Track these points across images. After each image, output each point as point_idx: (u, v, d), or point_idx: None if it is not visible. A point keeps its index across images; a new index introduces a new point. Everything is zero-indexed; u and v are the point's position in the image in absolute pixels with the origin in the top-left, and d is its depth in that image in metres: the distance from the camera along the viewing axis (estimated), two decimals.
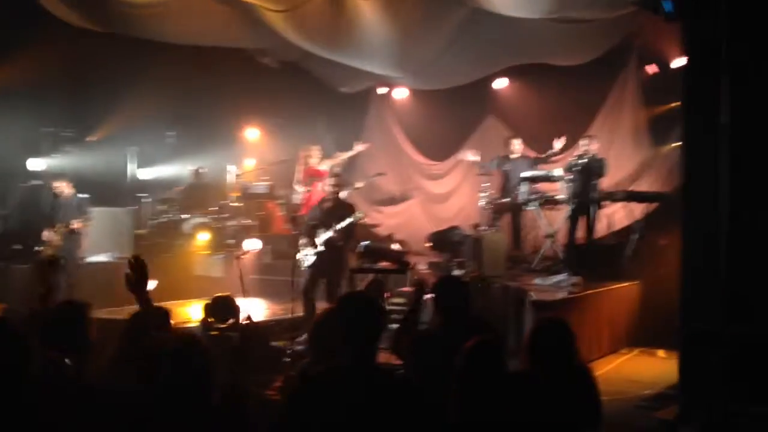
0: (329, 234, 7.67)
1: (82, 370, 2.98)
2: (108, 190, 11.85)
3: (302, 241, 7.86)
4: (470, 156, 10.65)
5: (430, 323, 4.59)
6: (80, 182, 11.29)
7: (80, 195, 9.23)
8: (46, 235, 8.82)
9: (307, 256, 7.81)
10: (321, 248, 7.70)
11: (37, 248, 9.03)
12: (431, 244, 10.04)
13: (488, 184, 10.34)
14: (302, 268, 7.89)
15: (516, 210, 10.05)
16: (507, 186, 10.23)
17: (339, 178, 8.38)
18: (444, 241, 9.79)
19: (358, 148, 11.22)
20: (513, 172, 10.13)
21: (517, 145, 10.44)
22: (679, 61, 10.20)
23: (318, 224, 7.82)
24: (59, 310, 3.21)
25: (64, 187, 9.06)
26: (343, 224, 7.61)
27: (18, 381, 2.34)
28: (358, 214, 7.78)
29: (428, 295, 4.28)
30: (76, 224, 8.70)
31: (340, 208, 7.85)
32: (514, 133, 10.85)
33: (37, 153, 11.26)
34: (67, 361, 2.95)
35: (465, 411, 2.68)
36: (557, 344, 3.41)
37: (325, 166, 10.55)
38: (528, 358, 3.41)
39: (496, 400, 2.63)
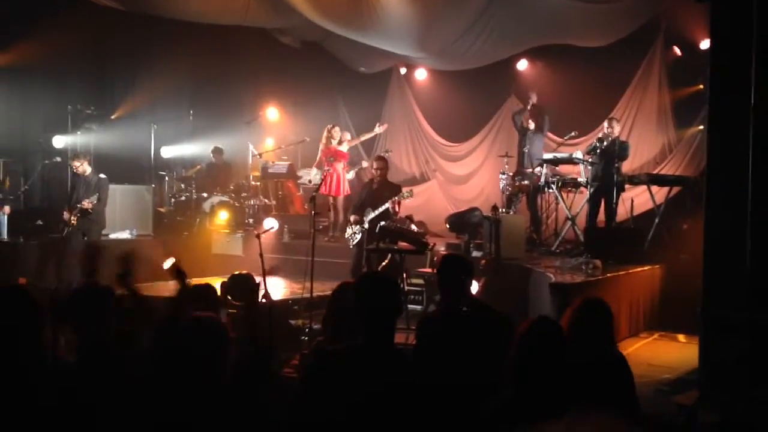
0: (375, 213, 7.98)
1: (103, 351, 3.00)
2: (130, 168, 11.94)
3: (352, 218, 8.28)
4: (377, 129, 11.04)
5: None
6: (103, 160, 11.41)
7: (100, 175, 9.21)
8: (66, 215, 8.84)
9: (354, 235, 8.21)
10: (367, 227, 8.00)
11: (60, 227, 9.08)
12: (450, 225, 10.01)
13: (507, 166, 10.29)
14: (350, 247, 8.35)
15: (534, 192, 9.99)
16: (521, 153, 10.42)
17: (383, 161, 8.61)
18: (463, 222, 9.76)
19: (378, 129, 11.27)
20: (529, 142, 10.30)
21: (531, 123, 10.46)
22: (706, 43, 10.04)
23: (366, 204, 8.18)
24: (85, 292, 3.22)
25: (83, 166, 9.02)
26: (388, 204, 7.94)
27: (30, 348, 2.37)
28: (404, 193, 8.12)
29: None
30: (85, 204, 8.71)
31: (386, 189, 8.20)
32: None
33: (61, 130, 11.34)
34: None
35: (520, 389, 2.66)
36: (596, 325, 3.40)
37: (345, 147, 10.64)
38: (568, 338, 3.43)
39: (555, 377, 2.60)
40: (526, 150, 10.26)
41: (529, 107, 10.49)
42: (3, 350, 2.34)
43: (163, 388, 2.55)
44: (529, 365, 2.65)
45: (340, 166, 10.51)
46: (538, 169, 9.87)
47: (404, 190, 8.34)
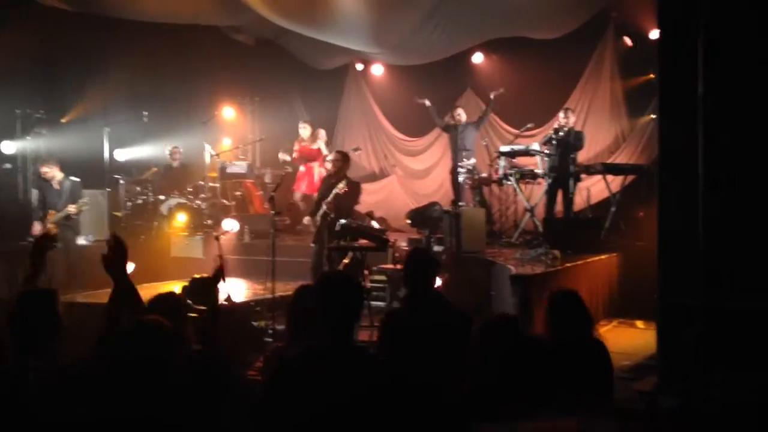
0: (323, 208, 7.86)
1: (51, 357, 2.93)
2: (84, 172, 11.65)
3: (306, 218, 8.22)
4: (427, 102, 10.98)
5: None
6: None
7: (72, 178, 8.94)
8: (37, 227, 8.48)
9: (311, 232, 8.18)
10: (318, 223, 7.95)
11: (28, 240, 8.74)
12: (411, 220, 10.03)
13: (472, 161, 10.33)
14: (311, 245, 8.22)
15: (480, 184, 10.13)
16: (454, 149, 10.59)
17: (337, 155, 8.53)
18: (423, 217, 9.77)
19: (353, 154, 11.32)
20: (460, 137, 10.45)
21: (461, 114, 10.71)
22: (656, 33, 10.20)
23: (320, 201, 8.08)
24: (25, 299, 3.12)
25: (53, 172, 8.67)
26: (336, 190, 7.77)
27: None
28: (339, 185, 7.85)
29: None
30: (72, 209, 8.43)
31: (339, 180, 8.01)
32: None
33: (9, 136, 11.04)
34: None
35: (478, 379, 2.66)
36: (575, 315, 3.48)
37: (317, 145, 10.68)
38: (546, 329, 3.49)
39: (511, 368, 2.61)
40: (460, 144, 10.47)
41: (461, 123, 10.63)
42: None
43: (113, 394, 2.51)
44: (484, 362, 2.66)
45: (315, 164, 10.61)
46: (464, 153, 10.10)
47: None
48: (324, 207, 7.86)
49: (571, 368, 3.20)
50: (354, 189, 8.07)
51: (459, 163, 10.26)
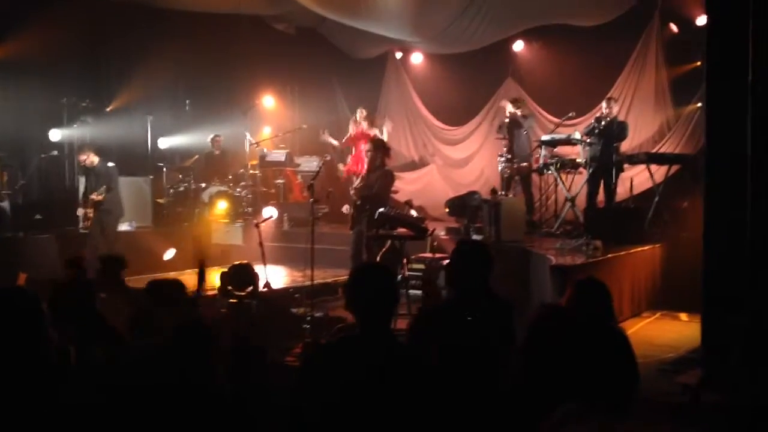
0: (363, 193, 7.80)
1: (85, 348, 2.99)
2: (127, 160, 11.89)
3: (345, 207, 8.11)
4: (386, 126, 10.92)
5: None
6: (100, 152, 11.36)
7: (108, 163, 9.13)
8: (80, 210, 8.77)
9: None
10: (352, 210, 7.91)
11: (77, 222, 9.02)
12: (449, 209, 9.99)
13: (506, 148, 10.23)
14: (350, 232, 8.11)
15: (527, 176, 9.98)
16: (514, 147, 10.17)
17: (372, 143, 8.29)
18: (462, 206, 9.73)
19: (387, 128, 11.26)
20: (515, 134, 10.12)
21: (510, 107, 10.29)
22: (702, 19, 9.96)
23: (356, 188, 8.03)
24: (67, 288, 3.19)
25: (90, 158, 8.88)
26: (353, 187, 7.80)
27: (32, 353, 2.34)
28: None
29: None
30: (94, 196, 8.64)
31: (372, 172, 7.92)
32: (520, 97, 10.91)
33: (57, 124, 11.29)
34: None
35: (531, 372, 2.64)
36: (596, 304, 3.41)
37: (375, 131, 10.64)
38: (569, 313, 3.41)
39: (567, 360, 2.58)
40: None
41: (506, 118, 10.31)
42: (10, 352, 2.31)
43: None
44: (540, 353, 2.63)
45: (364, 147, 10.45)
46: (537, 151, 9.84)
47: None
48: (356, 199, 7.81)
49: (593, 356, 3.12)
50: (387, 178, 7.95)
51: (499, 153, 10.15)
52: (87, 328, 3.04)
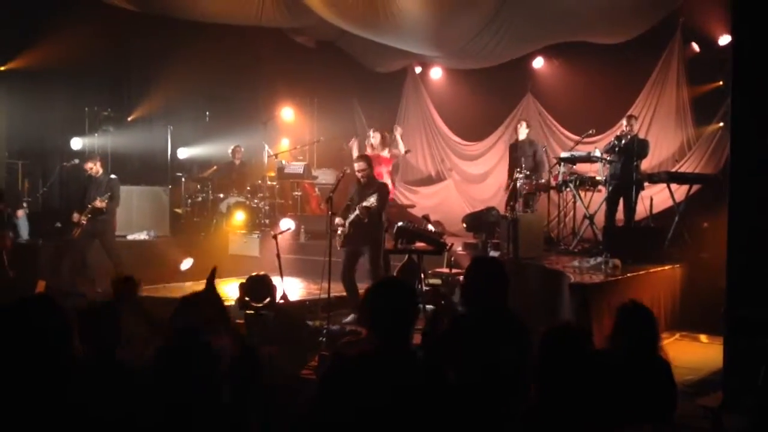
0: (355, 213, 7.50)
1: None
2: (147, 169, 12.00)
3: (337, 221, 7.67)
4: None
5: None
6: (120, 161, 11.47)
7: (111, 175, 9.19)
8: (76, 216, 8.77)
9: (340, 236, 7.66)
10: (348, 228, 7.57)
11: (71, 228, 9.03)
12: (466, 225, 9.96)
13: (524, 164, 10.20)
14: (339, 248, 7.74)
15: (542, 192, 9.96)
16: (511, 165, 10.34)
17: (363, 161, 7.94)
18: (480, 222, 9.70)
19: (397, 133, 11.08)
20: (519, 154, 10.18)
21: (521, 129, 10.46)
22: (724, 39, 9.91)
23: (351, 204, 7.69)
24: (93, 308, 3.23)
25: (96, 167, 8.96)
26: (365, 203, 7.41)
27: (61, 357, 2.34)
28: (370, 199, 7.40)
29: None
30: (98, 203, 8.67)
31: (369, 188, 7.65)
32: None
33: (78, 132, 11.40)
34: None
35: (545, 392, 2.60)
36: (642, 332, 3.39)
37: (386, 153, 10.40)
38: (611, 340, 3.40)
39: (578, 381, 2.54)
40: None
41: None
42: (39, 356, 2.32)
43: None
44: (552, 371, 2.59)
45: (383, 170, 10.13)
46: (555, 167, 9.81)
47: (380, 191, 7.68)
48: (356, 212, 7.49)
49: (634, 384, 3.11)
50: (383, 194, 7.67)
51: (517, 170, 10.10)
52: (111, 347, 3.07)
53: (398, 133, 10.89)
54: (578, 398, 2.51)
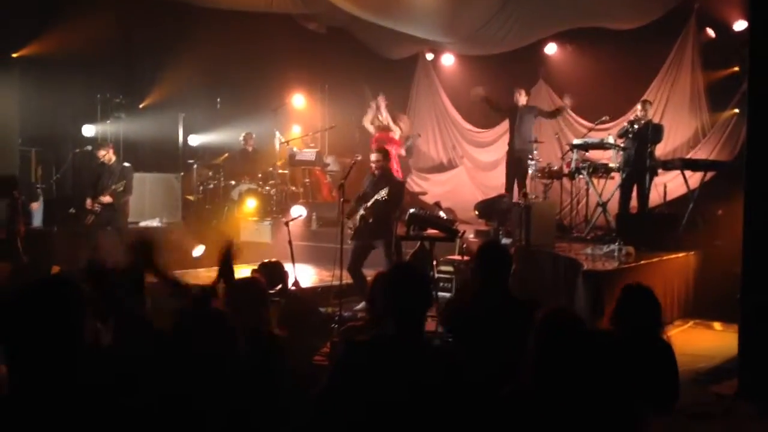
0: (366, 205, 7.51)
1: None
2: (158, 156, 12.01)
3: (348, 211, 7.71)
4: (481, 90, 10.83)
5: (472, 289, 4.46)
6: (131, 148, 11.49)
7: (125, 163, 9.20)
8: (89, 203, 8.82)
9: (351, 229, 7.67)
10: (359, 221, 7.58)
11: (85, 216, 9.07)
12: (478, 212, 9.92)
13: (537, 152, 10.14)
14: (349, 241, 7.73)
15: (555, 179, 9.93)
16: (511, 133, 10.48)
17: (379, 154, 7.99)
18: (492, 209, 9.66)
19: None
20: (518, 121, 10.29)
21: (520, 96, 10.49)
22: (740, 24, 9.80)
23: (366, 196, 7.68)
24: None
25: (108, 154, 8.99)
26: (377, 197, 7.40)
27: (77, 338, 2.35)
28: (382, 192, 7.39)
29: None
30: (105, 198, 8.70)
31: (382, 181, 7.65)
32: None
33: (90, 119, 11.43)
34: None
35: (540, 374, 2.59)
36: (644, 312, 3.38)
37: (396, 134, 10.50)
38: (614, 323, 3.40)
39: (575, 362, 2.53)
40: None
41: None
42: (57, 338, 2.32)
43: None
44: (545, 355, 2.57)
45: (392, 150, 10.08)
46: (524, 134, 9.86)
47: (394, 183, 7.71)
48: (362, 211, 7.53)
49: (632, 365, 3.09)
50: (398, 191, 7.68)
51: (530, 155, 10.06)
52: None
53: (402, 123, 10.91)
54: (572, 381, 2.50)
